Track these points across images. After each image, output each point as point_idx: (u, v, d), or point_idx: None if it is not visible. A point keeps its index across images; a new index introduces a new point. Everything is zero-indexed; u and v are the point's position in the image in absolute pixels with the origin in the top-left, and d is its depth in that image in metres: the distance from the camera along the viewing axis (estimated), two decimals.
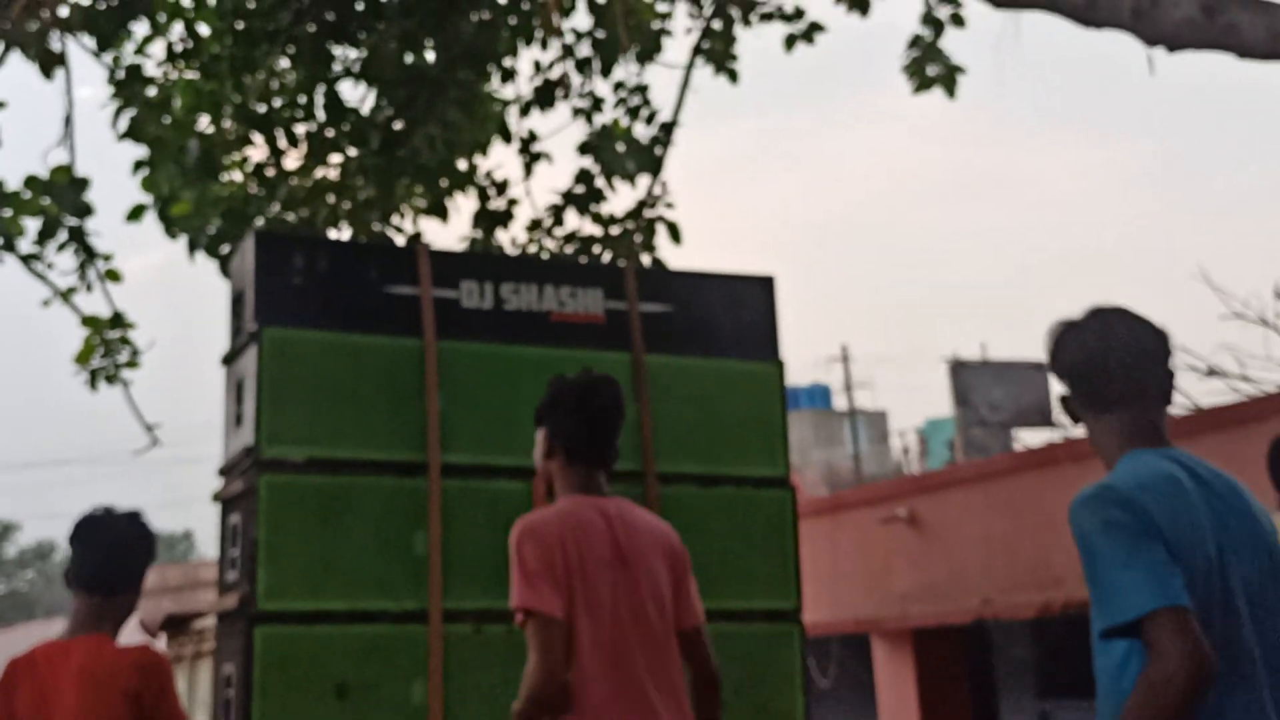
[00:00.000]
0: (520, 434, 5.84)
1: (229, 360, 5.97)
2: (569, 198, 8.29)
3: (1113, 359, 2.86)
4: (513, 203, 8.58)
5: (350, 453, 5.64)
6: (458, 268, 6.02)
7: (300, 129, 7.62)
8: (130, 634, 7.61)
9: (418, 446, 5.71)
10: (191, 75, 7.81)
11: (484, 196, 8.48)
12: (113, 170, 8.95)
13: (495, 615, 5.68)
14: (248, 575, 5.43)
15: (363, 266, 5.86)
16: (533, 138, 8.35)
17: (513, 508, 5.74)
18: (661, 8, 8.73)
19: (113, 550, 3.56)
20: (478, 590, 5.68)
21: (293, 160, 7.67)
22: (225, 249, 7.67)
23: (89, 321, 7.61)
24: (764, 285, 6.50)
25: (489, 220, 8.26)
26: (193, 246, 7.56)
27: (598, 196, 8.29)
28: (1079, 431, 11.93)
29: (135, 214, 7.86)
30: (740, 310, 6.43)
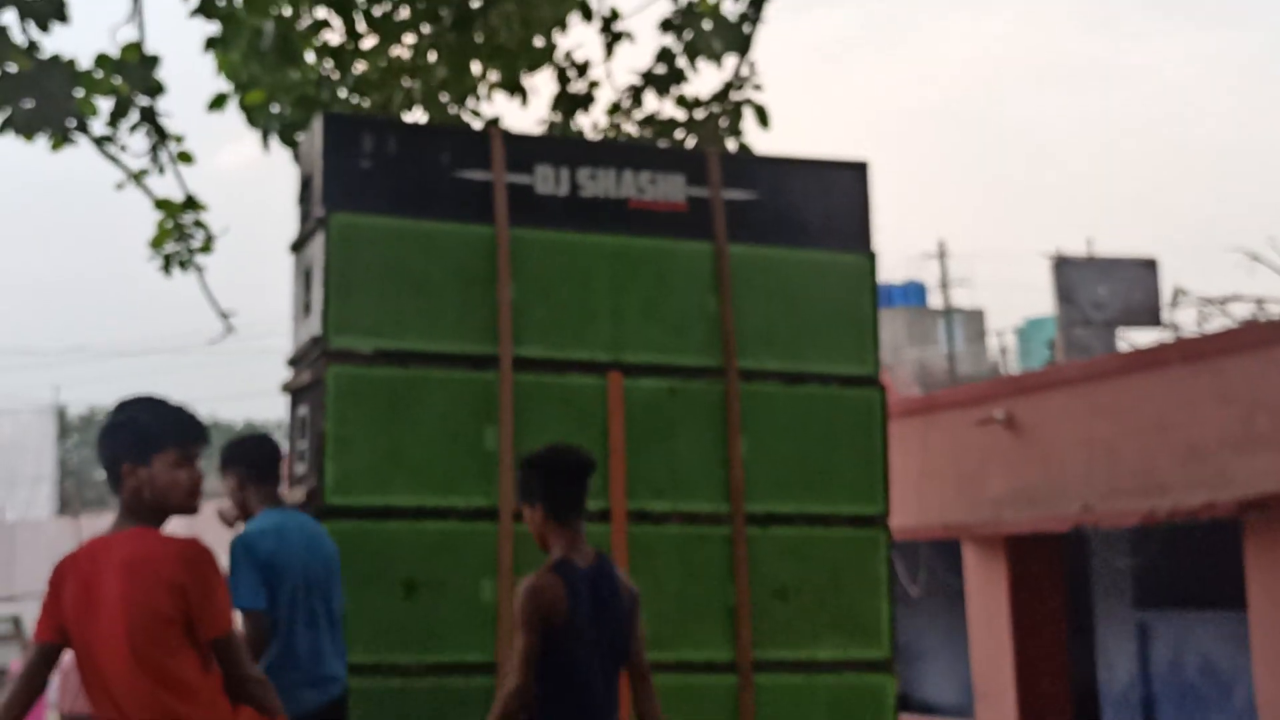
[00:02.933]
0: (595, 326, 5.61)
1: (297, 247, 5.77)
2: (649, 78, 7.92)
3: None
4: (593, 85, 8.23)
5: (419, 344, 5.43)
6: (532, 152, 5.74)
7: (376, 10, 7.33)
8: (207, 525, 7.55)
9: (489, 338, 5.48)
10: None
11: (563, 78, 8.14)
12: (193, 62, 8.74)
13: None
14: (315, 468, 5.27)
15: (434, 150, 5.60)
16: (615, 15, 7.97)
17: (585, 402, 5.53)
18: None
19: (98, 442, 3.36)
20: None
21: (368, 42, 7.40)
22: (300, 137, 7.45)
23: (162, 205, 7.46)
24: (856, 172, 6.14)
25: (568, 103, 7.93)
26: (266, 134, 7.35)
27: (680, 77, 7.91)
28: (1191, 331, 11.45)
29: (217, 103, 7.66)
30: (830, 198, 6.08)
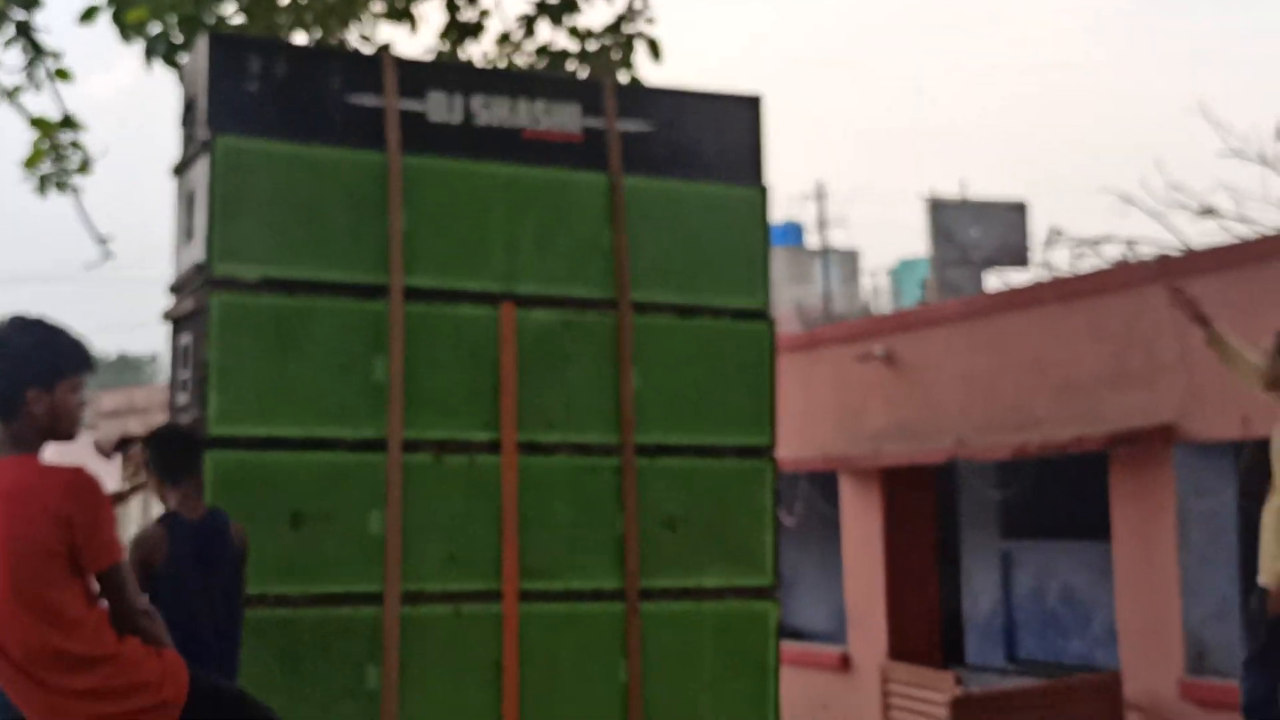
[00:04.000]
0: (488, 257, 5.57)
1: (179, 170, 5.62)
2: (542, 7, 7.83)
3: None
4: (484, 14, 8.11)
5: (308, 273, 5.33)
6: (426, 78, 5.65)
7: None
8: (82, 455, 7.38)
9: (379, 268, 5.41)
10: None
11: (452, 6, 8.01)
12: None
13: (456, 445, 5.46)
14: (198, 399, 5.17)
15: (324, 73, 5.48)
16: None
17: (478, 333, 5.50)
18: None
19: (4, 364, 3.26)
20: (439, 419, 5.44)
21: None
22: (183, 58, 7.23)
23: (37, 123, 7.20)
24: (750, 106, 6.14)
25: (457, 32, 7.81)
26: (149, 54, 7.11)
27: (573, 7, 7.84)
28: (1065, 271, 11.71)
29: (88, 15, 7.39)
30: (724, 132, 6.08)
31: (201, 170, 5.30)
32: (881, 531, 10.49)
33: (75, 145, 7.04)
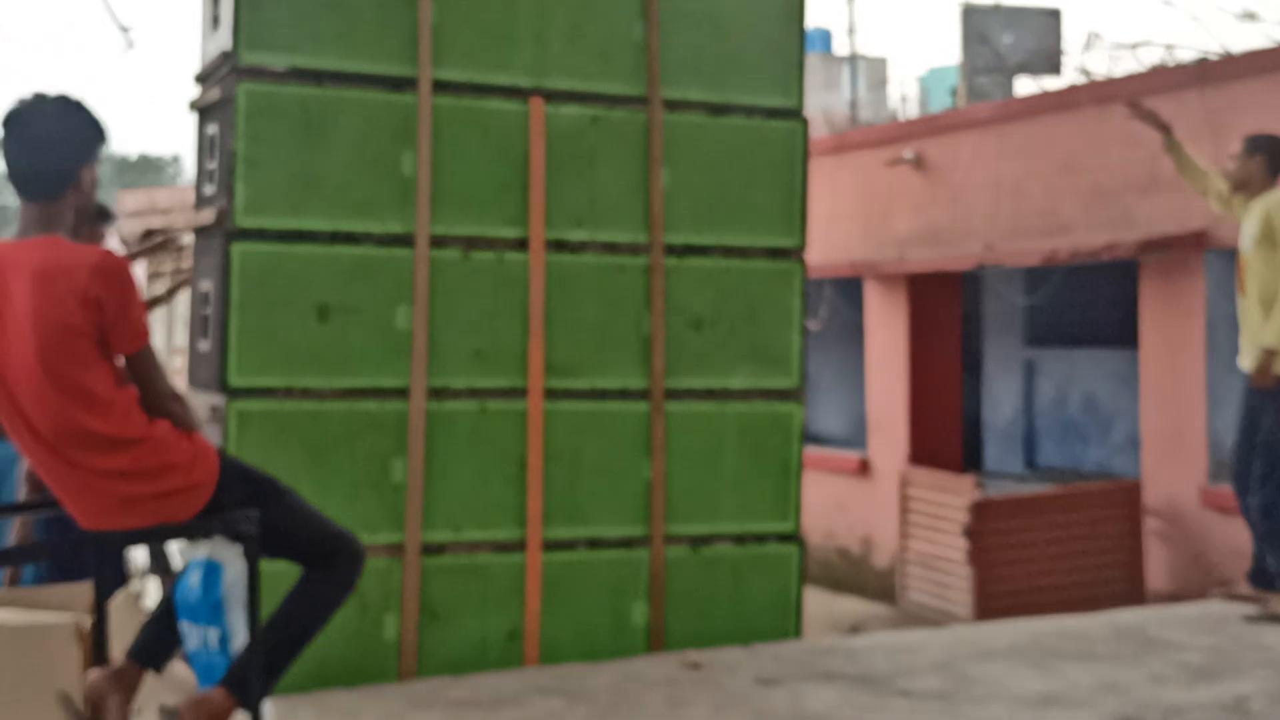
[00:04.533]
0: (518, 50, 5.47)
1: None
2: None
3: None
4: None
5: (335, 63, 5.24)
6: None
7: None
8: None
9: (407, 59, 5.30)
10: None
11: None
12: None
13: (484, 242, 5.42)
14: (225, 189, 5.13)
15: None
16: None
17: (506, 128, 5.42)
18: None
19: (41, 144, 3.21)
20: (467, 215, 5.40)
21: None
22: None
23: None
24: None
25: None
26: None
27: None
28: (1099, 74, 11.45)
29: None
30: None
31: None
32: (906, 338, 10.52)
33: None
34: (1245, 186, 5.98)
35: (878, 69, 33.93)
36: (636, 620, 5.62)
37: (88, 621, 3.60)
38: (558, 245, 5.52)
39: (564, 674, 5.23)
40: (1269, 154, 5.93)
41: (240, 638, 3.25)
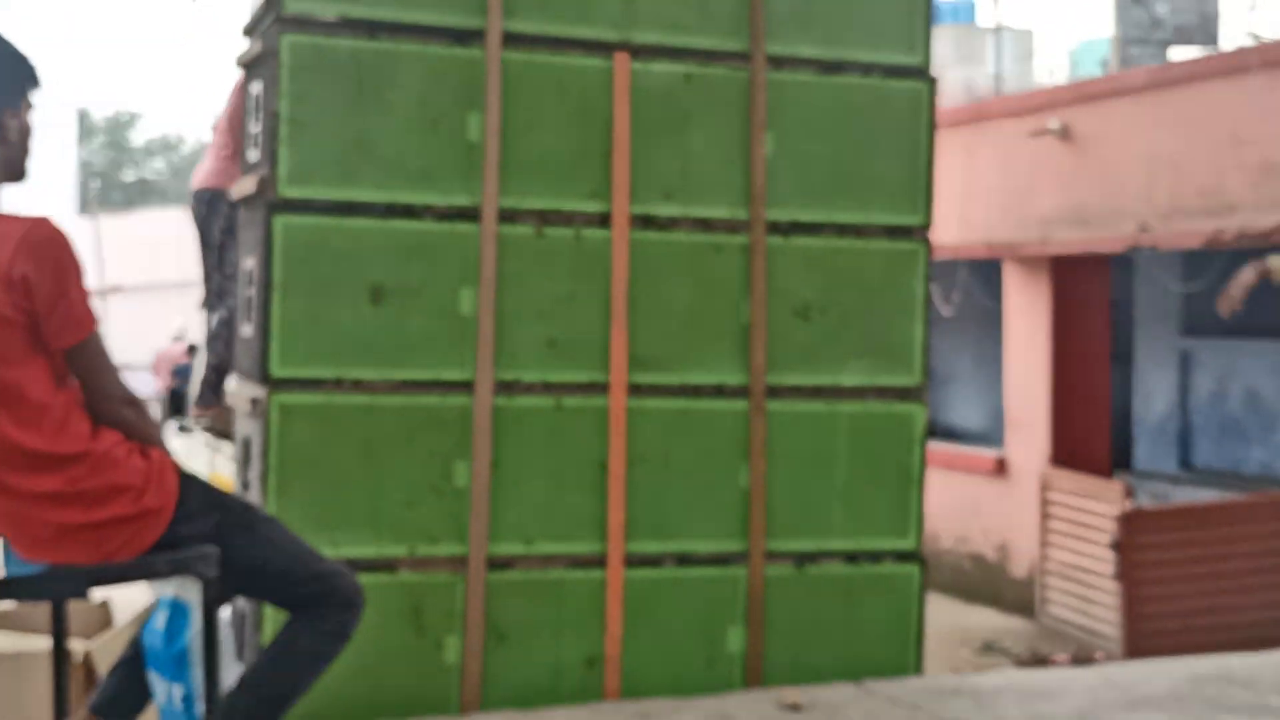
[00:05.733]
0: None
1: None
2: None
3: None
4: None
5: (391, 12, 4.62)
6: None
7: None
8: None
9: (474, 8, 4.67)
10: None
11: None
12: None
13: (560, 216, 4.78)
14: (268, 155, 4.55)
15: None
16: None
17: (586, 87, 4.77)
18: None
19: None
20: (541, 186, 4.75)
21: None
22: None
23: None
24: None
25: None
26: None
27: None
28: (1267, 37, 10.43)
29: None
30: None
31: None
32: (1049, 326, 9.65)
33: None
34: None
35: (1024, 41, 32.68)
36: (732, 648, 4.95)
37: (80, 648, 3.05)
38: (644, 221, 4.86)
39: (647, 711, 4.59)
40: None
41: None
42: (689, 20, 4.90)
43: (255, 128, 4.74)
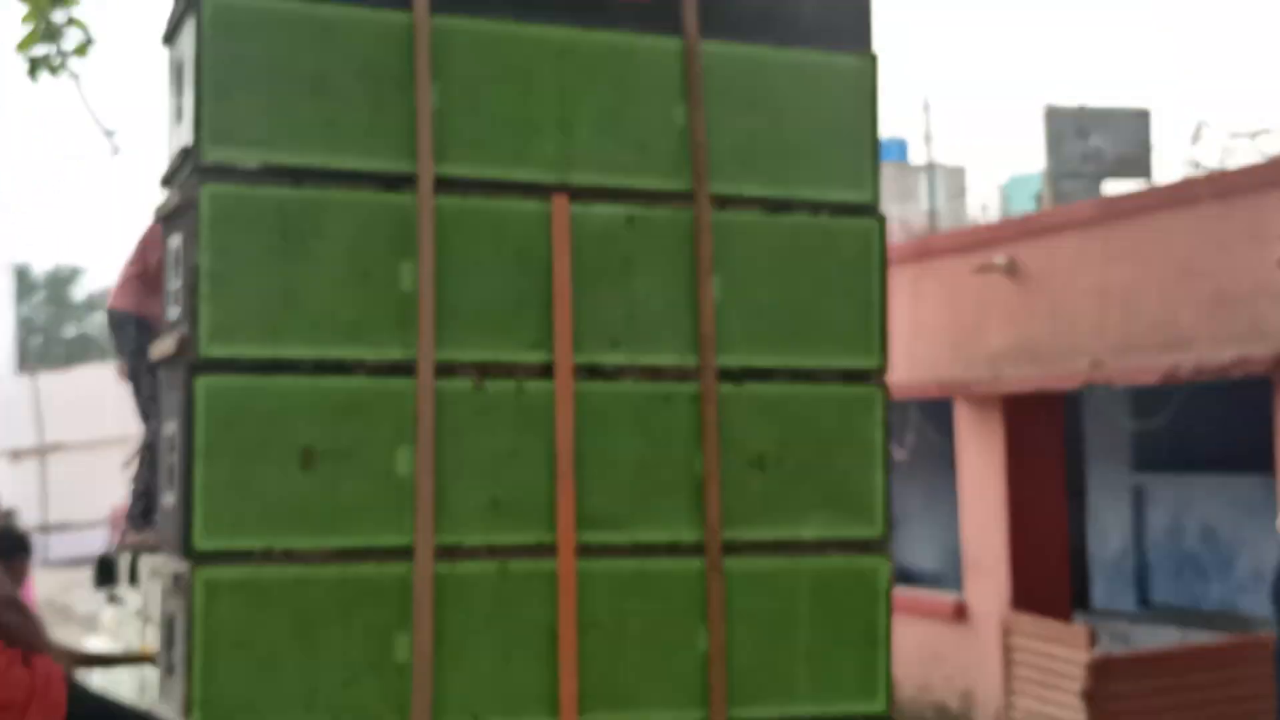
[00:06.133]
0: (537, 140, 4.61)
1: (168, 38, 4.71)
2: None
3: None
4: None
5: (319, 159, 4.40)
6: None
7: None
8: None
9: (405, 153, 4.46)
10: None
11: None
12: None
13: (500, 368, 4.52)
14: (188, 312, 4.28)
15: None
16: None
17: (525, 232, 4.55)
18: None
19: None
20: (479, 337, 4.51)
21: None
22: None
23: None
24: None
25: None
26: None
27: None
28: (1210, 167, 10.48)
29: None
30: None
31: (189, 34, 4.38)
32: (1003, 465, 9.44)
33: (73, 22, 6.14)
34: None
35: (956, 178, 33.25)
36: None
37: None
38: (590, 371, 4.61)
39: None
40: None
41: None
42: (629, 160, 4.72)
43: (175, 283, 4.47)
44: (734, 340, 4.75)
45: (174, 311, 4.49)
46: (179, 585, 4.24)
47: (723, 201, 4.78)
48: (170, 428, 4.46)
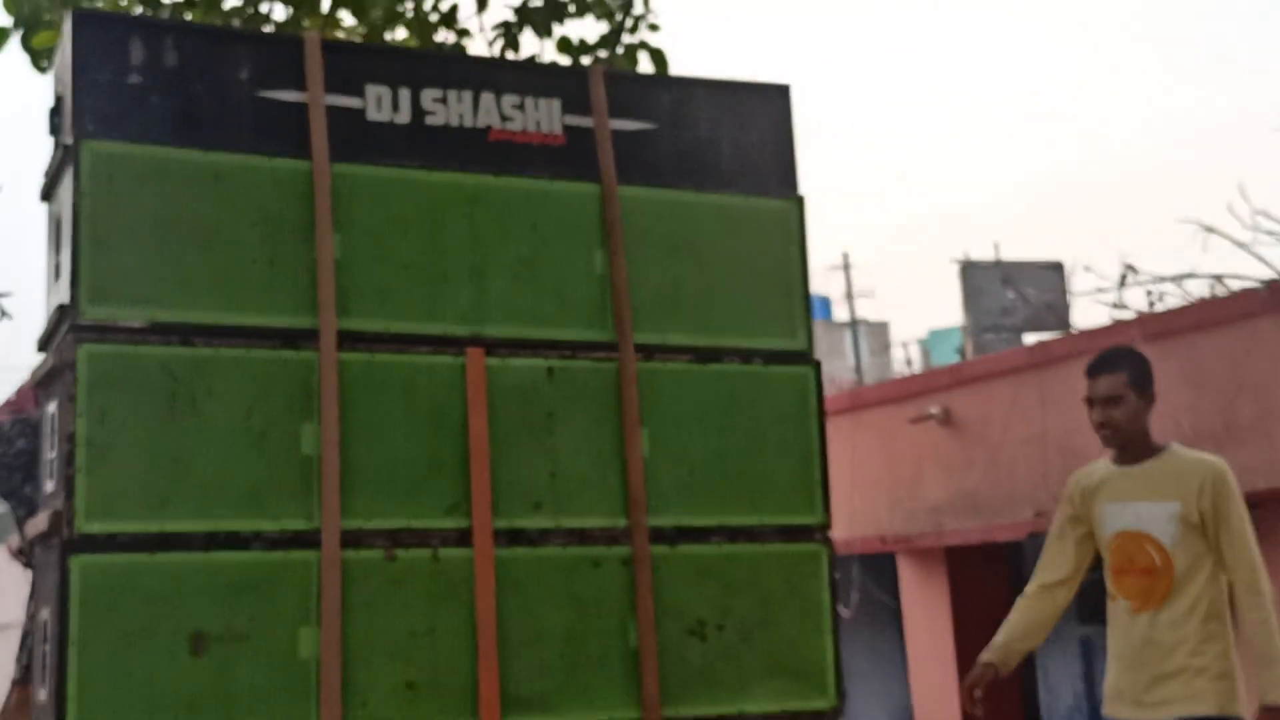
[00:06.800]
0: (448, 291, 4.32)
1: (46, 194, 4.39)
2: (525, 14, 6.61)
3: None
4: (463, 34, 6.95)
5: (210, 315, 4.07)
6: (362, 67, 4.41)
7: None
8: None
9: (305, 307, 4.14)
10: None
11: (425, 27, 6.84)
12: None
13: (414, 536, 4.15)
14: (63, 485, 3.88)
15: (229, 62, 4.24)
16: None
17: (436, 388, 4.22)
18: None
19: None
20: (389, 503, 4.14)
21: None
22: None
23: None
24: (776, 97, 4.89)
25: (420, 28, 6.61)
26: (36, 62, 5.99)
27: (562, 13, 6.63)
28: (1136, 311, 10.40)
29: None
30: (745, 130, 4.82)
31: (67, 187, 4.06)
32: (950, 620, 9.09)
33: None
34: None
35: (880, 333, 33.55)
36: None
37: None
38: (511, 536, 4.24)
39: None
40: None
41: None
42: (547, 310, 4.43)
43: (50, 454, 4.08)
44: (666, 498, 4.42)
45: (48, 485, 4.08)
46: None
47: (648, 351, 4.49)
48: (43, 614, 4.02)
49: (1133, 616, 4.52)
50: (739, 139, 4.81)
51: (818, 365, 4.73)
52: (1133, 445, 4.66)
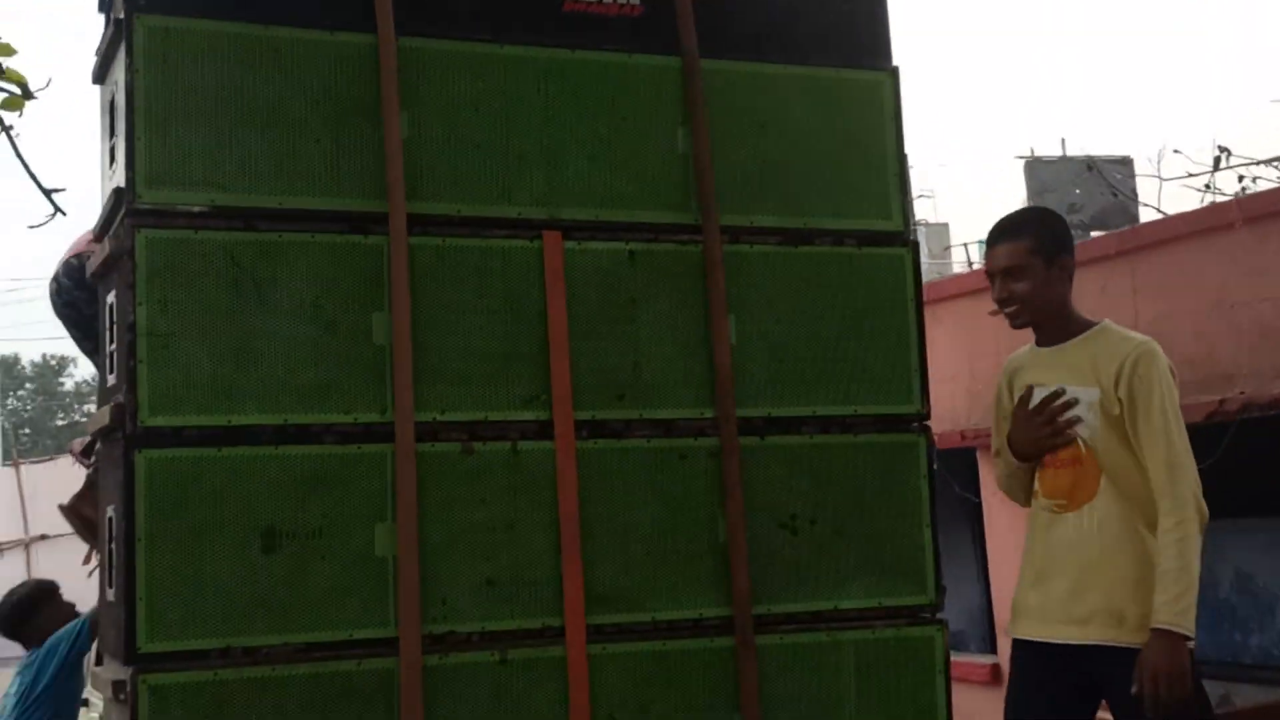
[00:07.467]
0: (523, 172, 4.07)
1: (99, 76, 4.18)
2: None
3: None
4: None
5: (274, 198, 3.85)
6: None
7: None
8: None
9: (373, 191, 3.91)
10: None
11: None
12: None
13: (491, 429, 3.95)
14: (126, 378, 3.70)
15: None
16: None
17: (513, 274, 4.01)
18: None
19: None
20: (465, 394, 3.94)
21: None
22: None
23: None
24: None
25: None
26: None
27: None
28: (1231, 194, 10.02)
29: None
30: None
31: (120, 66, 3.85)
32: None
33: (6, 74, 5.60)
34: None
35: (940, 235, 33.00)
36: None
37: None
38: (593, 428, 4.04)
39: None
40: None
41: None
42: (628, 191, 4.18)
43: (110, 346, 3.90)
44: (755, 388, 4.19)
45: (110, 379, 3.91)
46: (120, 695, 3.63)
47: (735, 233, 4.24)
48: (109, 512, 3.87)
49: (1056, 516, 4.23)
50: (828, 7, 4.52)
51: (915, 246, 4.47)
52: (1049, 324, 4.33)
